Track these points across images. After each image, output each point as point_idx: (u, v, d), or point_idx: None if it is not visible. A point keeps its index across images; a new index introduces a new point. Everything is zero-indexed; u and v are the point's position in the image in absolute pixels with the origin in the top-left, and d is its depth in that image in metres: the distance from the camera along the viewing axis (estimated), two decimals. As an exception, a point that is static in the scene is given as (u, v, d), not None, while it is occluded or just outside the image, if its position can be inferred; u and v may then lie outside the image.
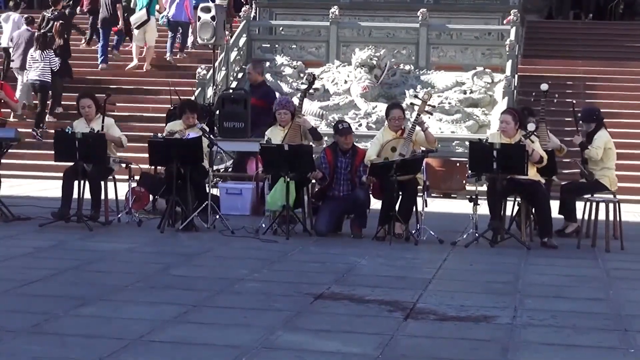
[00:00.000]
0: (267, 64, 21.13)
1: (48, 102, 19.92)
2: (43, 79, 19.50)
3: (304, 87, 13.78)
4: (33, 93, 20.15)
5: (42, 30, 20.68)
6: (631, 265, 10.57)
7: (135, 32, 22.21)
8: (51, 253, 10.36)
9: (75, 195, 11.94)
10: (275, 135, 12.60)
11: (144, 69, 22.26)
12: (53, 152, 12.22)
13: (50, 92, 19.85)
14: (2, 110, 13.99)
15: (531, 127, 11.25)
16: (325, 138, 14.02)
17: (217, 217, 12.13)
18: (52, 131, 15.49)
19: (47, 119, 19.97)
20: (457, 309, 7.96)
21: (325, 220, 11.88)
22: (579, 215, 12.31)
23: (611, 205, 11.70)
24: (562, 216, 12.52)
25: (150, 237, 11.47)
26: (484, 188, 11.71)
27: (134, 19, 22.11)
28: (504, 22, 21.74)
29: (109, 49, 22.66)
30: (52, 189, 14.92)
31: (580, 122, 12.47)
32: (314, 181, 12.21)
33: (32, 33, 20.54)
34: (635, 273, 10.10)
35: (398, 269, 9.90)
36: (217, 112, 14.93)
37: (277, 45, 22.01)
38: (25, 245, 10.68)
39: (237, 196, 13.72)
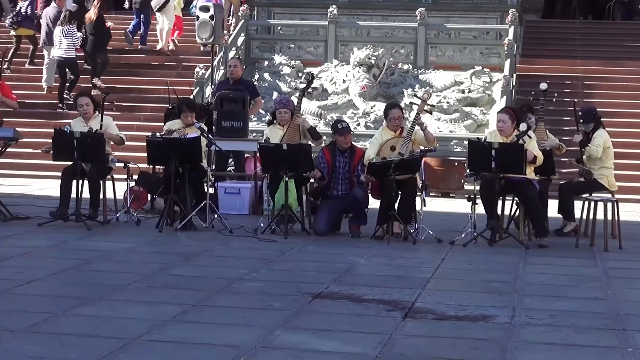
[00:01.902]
0: (266, 63, 21.14)
1: (70, 77, 20.50)
2: (67, 55, 20.10)
3: (302, 86, 13.77)
4: (57, 68, 20.67)
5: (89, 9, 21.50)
6: (630, 264, 10.58)
7: (157, 14, 23.09)
8: (50, 252, 10.36)
9: (73, 194, 11.94)
10: (274, 134, 12.60)
11: (158, 48, 23.17)
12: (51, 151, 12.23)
13: (74, 67, 20.47)
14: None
15: (523, 127, 11.24)
16: (324, 137, 14.00)
17: (216, 216, 12.13)
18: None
19: (92, 93, 20.16)
20: (455, 309, 7.96)
21: (323, 220, 11.89)
22: (577, 215, 12.31)
23: (609, 205, 11.71)
24: (560, 215, 12.53)
25: (149, 237, 11.47)
26: (483, 187, 11.72)
27: (154, 3, 22.92)
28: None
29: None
30: (50, 188, 14.92)
31: (581, 121, 12.47)
32: (312, 180, 12.21)
33: (59, 10, 21.01)
34: (634, 272, 10.11)
35: (396, 269, 9.90)
36: (216, 111, 14.92)
37: (275, 45, 21.99)
38: (24, 244, 10.68)
39: (236, 195, 13.72)
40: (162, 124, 13.89)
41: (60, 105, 20.18)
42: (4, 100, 13.79)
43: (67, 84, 20.44)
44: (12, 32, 22.44)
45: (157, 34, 23.48)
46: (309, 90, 13.73)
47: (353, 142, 12.26)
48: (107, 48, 21.56)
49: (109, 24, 21.64)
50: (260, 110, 17.84)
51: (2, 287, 8.35)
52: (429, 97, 12.39)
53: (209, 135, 12.50)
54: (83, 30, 20.85)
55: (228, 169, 15.54)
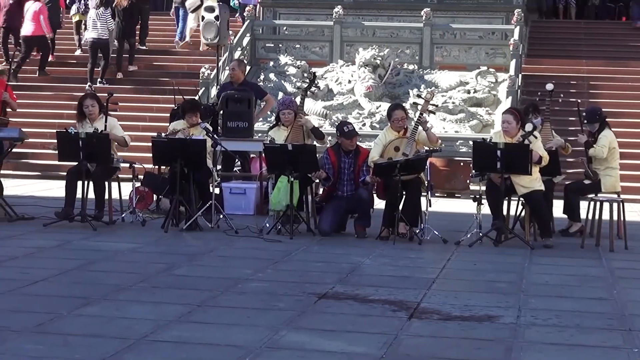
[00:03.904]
0: (271, 63, 21.15)
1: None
2: (100, 37, 21.13)
3: (305, 86, 13.78)
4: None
5: None
6: (635, 264, 10.56)
7: (191, 15, 23.60)
8: (55, 253, 10.37)
9: (79, 194, 11.95)
10: (278, 135, 12.61)
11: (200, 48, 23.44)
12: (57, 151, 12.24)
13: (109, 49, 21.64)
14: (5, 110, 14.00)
15: (529, 127, 11.23)
16: (329, 138, 14.00)
17: (221, 216, 12.13)
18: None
19: (117, 76, 21.90)
20: (461, 309, 7.96)
21: (328, 220, 11.88)
22: (582, 215, 12.29)
23: (615, 205, 11.69)
24: (566, 216, 12.51)
25: (154, 237, 11.47)
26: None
27: (189, 4, 23.27)
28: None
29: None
30: (55, 188, 14.94)
31: (585, 121, 12.46)
32: (317, 181, 12.22)
33: None
34: (639, 272, 10.08)
35: (402, 269, 9.90)
36: (221, 111, 14.92)
37: (280, 45, 22.00)
38: (29, 245, 10.69)
39: (241, 196, 13.72)
40: (168, 124, 13.90)
41: (89, 84, 20.98)
42: (9, 101, 13.80)
43: (100, 67, 21.52)
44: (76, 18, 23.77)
45: (187, 32, 24.01)
46: (313, 89, 13.72)
47: (358, 143, 12.25)
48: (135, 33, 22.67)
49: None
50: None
51: (7, 287, 8.36)
52: (432, 97, 12.36)
53: (214, 136, 12.51)
54: (117, 19, 21.84)
55: (234, 169, 15.53)
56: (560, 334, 7.25)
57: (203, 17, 18.78)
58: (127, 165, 12.68)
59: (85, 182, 11.91)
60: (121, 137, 12.43)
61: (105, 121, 12.24)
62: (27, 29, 21.80)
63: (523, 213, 11.86)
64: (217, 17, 18.37)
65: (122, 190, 12.59)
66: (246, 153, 15.22)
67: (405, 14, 22.74)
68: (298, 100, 13.37)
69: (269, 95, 15.83)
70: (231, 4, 25.97)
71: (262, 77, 20.66)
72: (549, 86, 12.75)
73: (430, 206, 11.85)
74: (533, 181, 11.32)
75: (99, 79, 21.31)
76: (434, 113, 13.63)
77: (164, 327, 7.11)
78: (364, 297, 8.33)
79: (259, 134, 16.26)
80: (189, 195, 11.97)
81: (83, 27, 23.17)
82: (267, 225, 11.94)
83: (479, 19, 22.57)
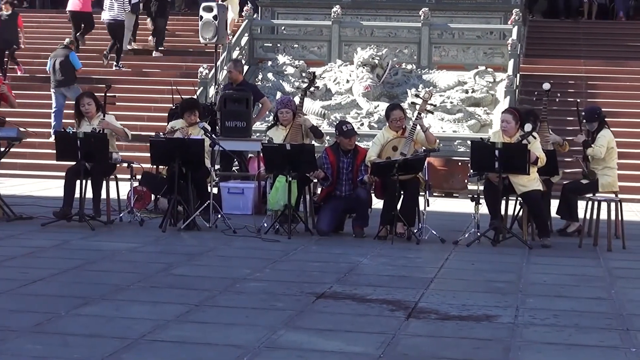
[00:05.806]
0: (269, 63, 21.15)
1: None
2: (118, 18, 22.00)
3: (304, 85, 13.79)
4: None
5: None
6: (633, 264, 10.56)
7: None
8: (53, 252, 10.37)
9: (77, 194, 11.94)
10: (277, 135, 12.61)
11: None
12: (55, 151, 12.24)
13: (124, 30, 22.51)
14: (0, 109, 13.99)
15: (528, 127, 11.24)
16: (327, 137, 14.00)
17: (219, 216, 12.13)
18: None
19: (154, 54, 23.05)
20: (459, 308, 7.96)
21: (327, 220, 11.89)
22: (580, 215, 12.30)
23: (613, 205, 11.70)
24: (559, 216, 12.50)
25: (152, 237, 11.47)
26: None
27: None
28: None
29: None
30: (54, 188, 14.93)
31: (584, 121, 12.46)
32: (315, 180, 12.22)
33: None
34: (637, 272, 10.09)
35: (400, 269, 9.90)
36: (219, 111, 14.92)
37: (279, 45, 22.01)
38: (27, 244, 10.69)
39: (239, 195, 13.73)
40: (166, 124, 13.89)
41: (117, 66, 22.17)
42: (7, 94, 13.77)
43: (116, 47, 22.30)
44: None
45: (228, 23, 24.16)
46: (312, 89, 13.74)
47: (357, 142, 12.25)
48: (168, 15, 23.58)
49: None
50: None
51: (5, 287, 8.36)
52: (430, 96, 12.37)
53: (212, 135, 12.51)
54: None
55: (233, 169, 15.53)
56: (558, 333, 7.25)
57: (202, 17, 18.75)
58: (125, 164, 12.68)
59: (84, 182, 11.91)
60: (120, 128, 12.42)
61: (104, 116, 12.24)
62: (73, 3, 22.71)
63: (521, 213, 11.87)
64: (215, 17, 18.37)
65: (120, 189, 12.59)
66: (243, 153, 15.23)
67: (403, 13, 22.75)
68: (297, 99, 13.38)
69: (265, 99, 15.82)
70: None
71: (260, 76, 20.67)
72: (546, 86, 12.76)
73: (428, 206, 11.85)
74: (531, 181, 11.33)
75: (114, 64, 22.10)
76: (432, 113, 13.63)
77: (162, 326, 7.12)
78: (362, 297, 8.33)
79: (257, 134, 16.26)
80: (187, 195, 11.97)
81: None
82: (265, 225, 11.94)
83: (477, 19, 22.58)
